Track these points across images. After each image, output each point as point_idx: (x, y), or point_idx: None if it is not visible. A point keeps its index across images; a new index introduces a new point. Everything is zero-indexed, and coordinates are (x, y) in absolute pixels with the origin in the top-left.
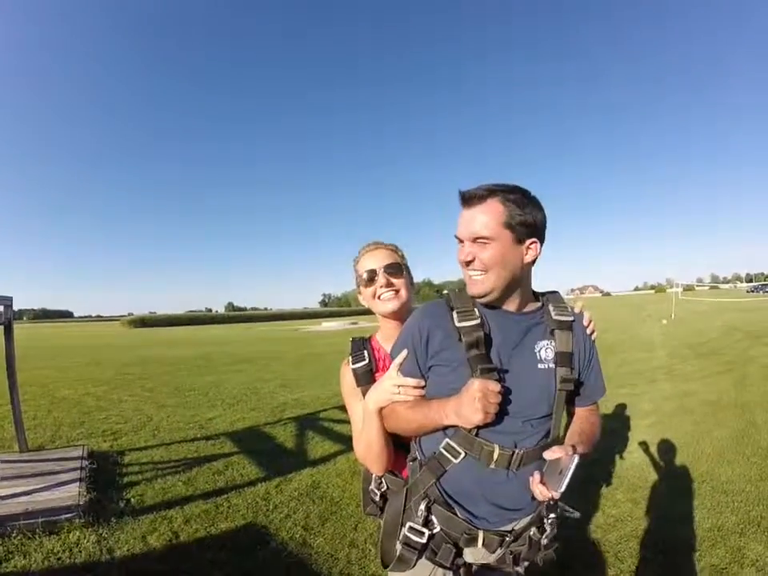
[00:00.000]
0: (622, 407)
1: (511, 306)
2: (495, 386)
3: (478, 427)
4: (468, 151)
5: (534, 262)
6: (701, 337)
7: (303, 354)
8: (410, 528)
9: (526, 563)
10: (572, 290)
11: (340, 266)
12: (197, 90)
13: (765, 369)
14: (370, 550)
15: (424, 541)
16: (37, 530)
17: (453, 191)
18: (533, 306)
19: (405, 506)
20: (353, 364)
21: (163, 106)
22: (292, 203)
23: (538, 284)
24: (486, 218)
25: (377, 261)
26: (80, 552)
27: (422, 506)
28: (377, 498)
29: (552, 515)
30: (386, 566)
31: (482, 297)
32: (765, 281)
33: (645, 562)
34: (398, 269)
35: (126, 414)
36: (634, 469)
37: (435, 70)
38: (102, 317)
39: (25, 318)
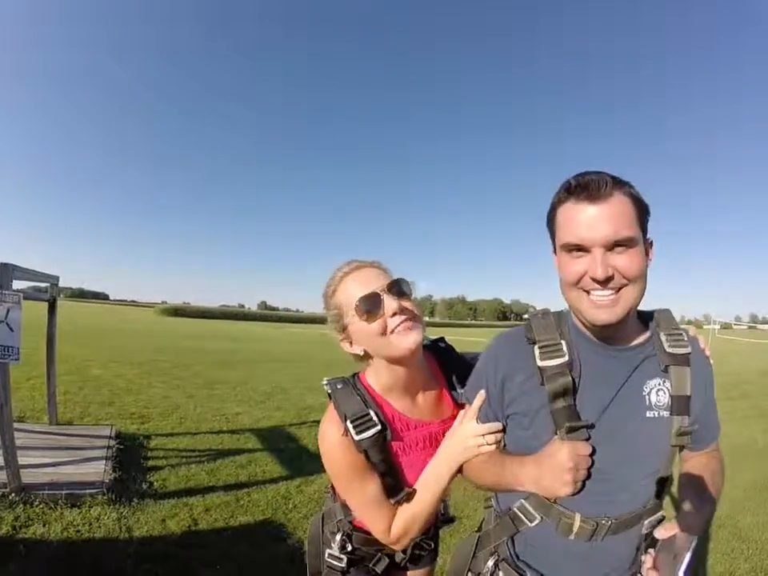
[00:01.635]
0: None
1: (618, 335)
2: (586, 450)
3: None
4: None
5: None
6: (735, 378)
7: (331, 359)
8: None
9: None
10: None
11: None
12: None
13: None
14: None
15: None
16: (59, 501)
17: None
18: (641, 335)
19: (473, 556)
20: (358, 433)
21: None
22: (335, 206)
23: None
24: (624, 214)
25: (372, 282)
26: (99, 527)
27: (491, 563)
28: (341, 565)
29: None
30: None
31: (616, 323)
32: None
33: None
34: (407, 287)
35: (155, 399)
36: None
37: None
38: (136, 302)
39: (62, 296)
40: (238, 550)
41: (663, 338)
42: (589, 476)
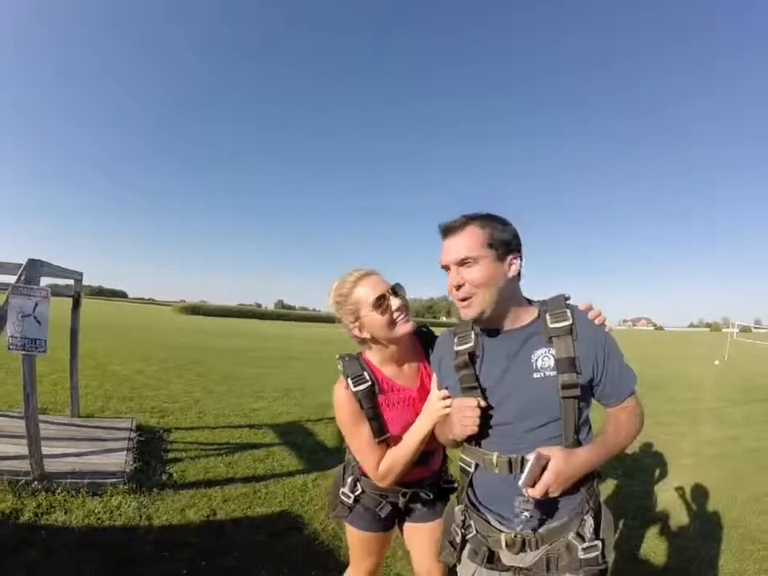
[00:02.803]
0: (661, 445)
1: (506, 322)
2: (470, 402)
3: (478, 439)
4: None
5: (518, 276)
6: (753, 382)
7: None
8: (453, 529)
9: (566, 573)
10: (624, 321)
11: (395, 272)
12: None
13: None
14: (398, 551)
15: (459, 541)
16: (81, 490)
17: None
18: (529, 318)
19: (453, 511)
20: (354, 386)
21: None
22: (353, 206)
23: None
24: (468, 241)
25: (380, 286)
26: (120, 515)
27: (459, 512)
28: (349, 501)
29: (588, 517)
30: (439, 559)
31: (476, 319)
32: None
33: None
34: (402, 290)
35: (175, 394)
36: (666, 507)
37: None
38: (154, 300)
39: (82, 294)
40: (255, 539)
41: (548, 317)
42: (488, 425)
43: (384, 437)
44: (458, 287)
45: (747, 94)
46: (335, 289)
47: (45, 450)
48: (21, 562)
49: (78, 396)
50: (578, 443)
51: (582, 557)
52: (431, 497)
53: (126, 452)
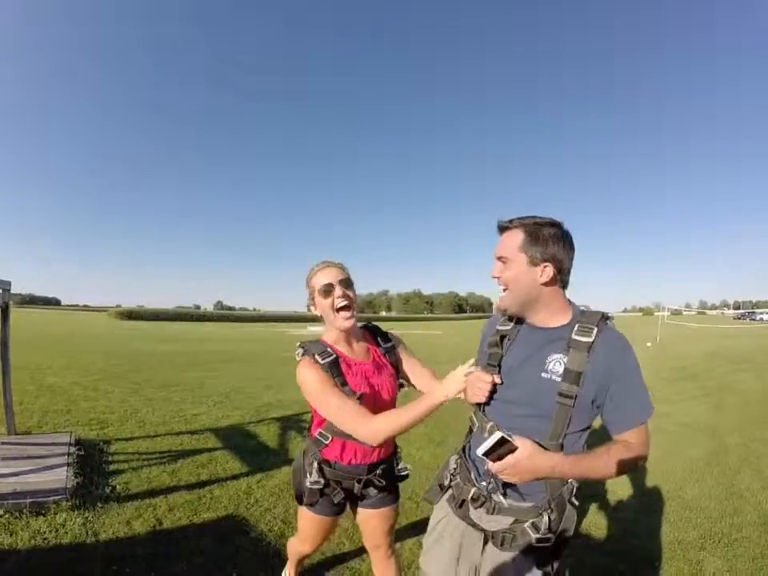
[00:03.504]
0: (598, 425)
1: (538, 319)
2: (486, 378)
3: (484, 407)
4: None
5: (553, 282)
6: (683, 361)
7: (288, 357)
8: (445, 473)
9: (518, 552)
10: None
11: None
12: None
13: (742, 394)
14: (345, 544)
15: (446, 484)
16: (24, 510)
17: (446, 210)
18: (560, 322)
19: (449, 458)
20: (322, 360)
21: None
22: (287, 205)
23: None
24: (509, 242)
25: (332, 276)
26: (66, 533)
27: (453, 459)
28: (319, 486)
29: (545, 513)
30: (423, 496)
31: (505, 310)
32: (752, 308)
33: (606, 571)
34: (350, 283)
35: (113, 404)
36: (605, 483)
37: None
38: (89, 306)
39: (11, 303)
40: (203, 544)
41: (576, 328)
42: (498, 400)
43: (358, 394)
44: (496, 278)
45: (747, 92)
46: (308, 273)
47: None
48: None
49: (13, 413)
50: (561, 447)
51: (535, 544)
52: (384, 483)
53: (66, 467)
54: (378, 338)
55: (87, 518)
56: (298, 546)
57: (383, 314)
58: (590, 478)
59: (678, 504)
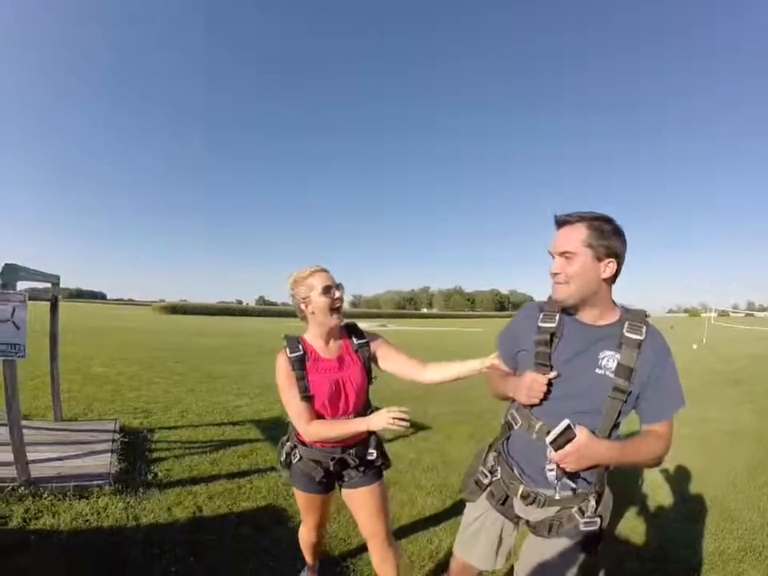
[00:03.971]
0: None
1: (588, 316)
2: (542, 379)
3: (532, 405)
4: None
5: (611, 278)
6: (729, 364)
7: None
8: (481, 471)
9: (565, 538)
10: None
11: (374, 267)
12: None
13: None
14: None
15: (487, 482)
16: (68, 493)
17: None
18: (610, 320)
19: (486, 455)
20: (290, 353)
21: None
22: (331, 203)
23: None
24: (573, 237)
25: (329, 279)
26: (107, 516)
27: (491, 457)
28: (285, 464)
29: (591, 497)
30: (461, 494)
31: (562, 302)
32: None
33: None
34: (341, 287)
35: (157, 394)
36: (646, 488)
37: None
38: (134, 300)
39: (60, 297)
40: (241, 533)
41: (626, 325)
42: (546, 398)
43: (307, 394)
44: (556, 274)
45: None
46: (296, 273)
47: (30, 456)
48: (11, 568)
49: (60, 400)
50: (608, 438)
51: (582, 528)
52: (357, 462)
53: (110, 453)
54: (353, 336)
55: (129, 502)
56: (303, 529)
57: (424, 310)
58: (634, 463)
59: (719, 514)
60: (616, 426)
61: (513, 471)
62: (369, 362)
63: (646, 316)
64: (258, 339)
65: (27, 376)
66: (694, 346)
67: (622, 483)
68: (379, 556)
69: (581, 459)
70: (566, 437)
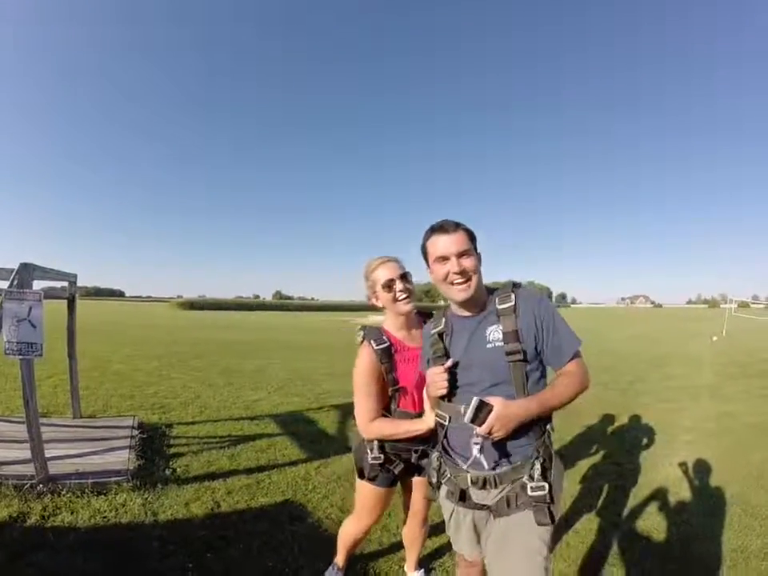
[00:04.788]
0: (662, 422)
1: (474, 307)
2: (438, 370)
3: (449, 397)
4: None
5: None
6: (750, 356)
7: (350, 345)
8: (432, 473)
9: (524, 510)
10: (622, 299)
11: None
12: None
13: None
14: (401, 535)
15: (435, 481)
16: (86, 490)
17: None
18: (484, 302)
19: (431, 458)
20: (376, 345)
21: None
22: (345, 197)
23: (592, 290)
24: (463, 238)
25: (393, 272)
26: (125, 512)
27: (434, 457)
28: (379, 461)
29: (536, 462)
30: (427, 495)
31: (469, 298)
32: None
33: (667, 575)
34: (409, 276)
35: (175, 390)
36: (667, 483)
37: None
38: (152, 297)
39: (79, 295)
40: (259, 529)
41: (497, 300)
42: (462, 385)
43: (396, 387)
44: (461, 273)
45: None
46: (365, 266)
47: (48, 453)
48: (30, 565)
49: (79, 397)
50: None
51: (531, 494)
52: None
53: (128, 450)
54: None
55: (147, 498)
56: (355, 526)
57: (441, 303)
58: (555, 406)
59: (741, 510)
60: (531, 388)
61: (457, 464)
62: None
63: (514, 285)
64: (276, 334)
65: (45, 374)
66: (714, 338)
67: (640, 480)
68: (416, 532)
69: (506, 423)
70: (485, 411)
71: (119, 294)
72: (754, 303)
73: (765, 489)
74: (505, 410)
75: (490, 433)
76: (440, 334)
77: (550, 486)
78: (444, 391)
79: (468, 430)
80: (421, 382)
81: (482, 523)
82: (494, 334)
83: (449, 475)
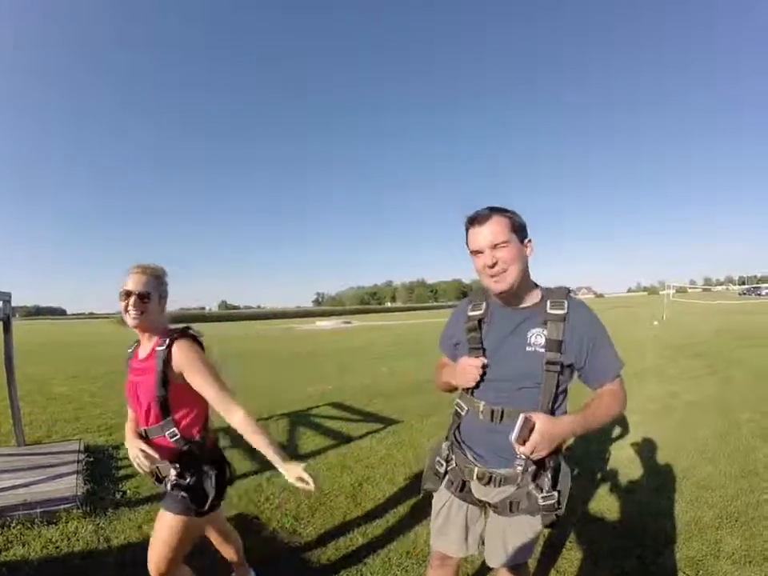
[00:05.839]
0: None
1: (513, 300)
2: (475, 362)
3: (473, 389)
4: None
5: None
6: (689, 339)
7: (296, 353)
8: (437, 461)
9: (527, 515)
10: None
11: (334, 265)
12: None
13: (750, 371)
14: (358, 539)
15: (443, 471)
16: (35, 520)
17: (445, 195)
18: (532, 300)
19: (441, 445)
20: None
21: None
22: (287, 203)
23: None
24: (499, 227)
25: (130, 285)
26: (78, 541)
27: (444, 446)
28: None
29: (548, 473)
30: (423, 486)
31: (506, 291)
32: (757, 283)
33: (623, 553)
34: (150, 296)
35: (121, 409)
36: (617, 465)
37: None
38: (94, 314)
39: (17, 315)
40: (213, 545)
41: (548, 303)
42: (488, 380)
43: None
44: (493, 266)
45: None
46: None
47: None
48: None
49: (22, 424)
50: (552, 410)
51: (541, 503)
52: None
53: (76, 475)
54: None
55: (99, 524)
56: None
57: (388, 304)
58: (599, 424)
59: (691, 483)
60: (557, 397)
61: (466, 456)
62: (164, 369)
63: (568, 292)
64: (222, 345)
65: None
66: (655, 323)
67: (591, 465)
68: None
69: (550, 441)
70: (528, 427)
71: (60, 312)
72: (691, 288)
73: (712, 462)
74: (552, 428)
75: (532, 452)
76: (479, 320)
77: (559, 493)
78: (473, 384)
79: (486, 428)
80: (134, 395)
81: (473, 520)
82: (537, 337)
83: (454, 464)
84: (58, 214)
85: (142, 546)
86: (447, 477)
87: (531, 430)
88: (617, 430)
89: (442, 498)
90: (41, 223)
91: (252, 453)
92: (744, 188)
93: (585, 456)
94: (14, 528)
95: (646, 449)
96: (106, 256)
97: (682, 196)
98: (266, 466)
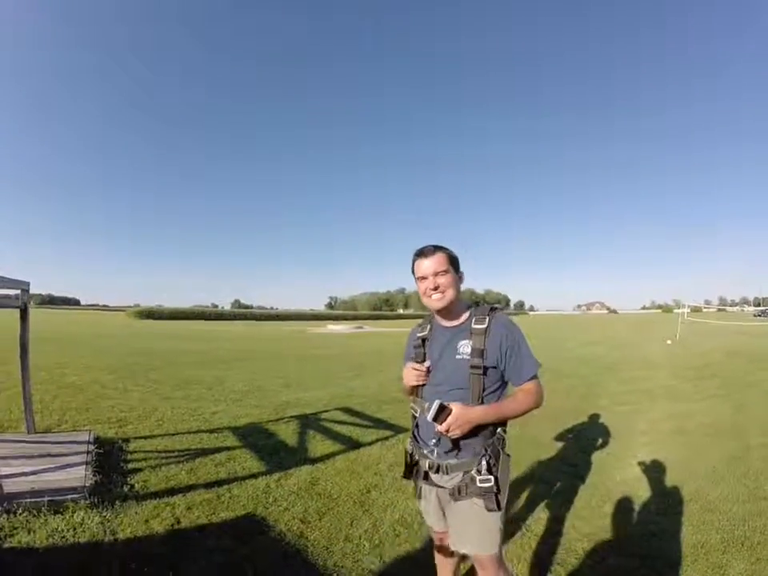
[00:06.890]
0: (619, 424)
1: (449, 319)
2: (416, 365)
3: (421, 393)
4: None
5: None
6: (703, 359)
7: (308, 355)
8: (406, 457)
9: (474, 497)
10: (578, 306)
11: (348, 269)
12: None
13: (764, 394)
14: (365, 545)
15: (411, 464)
16: (42, 509)
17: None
18: (463, 318)
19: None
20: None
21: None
22: (305, 205)
23: (548, 297)
24: (441, 260)
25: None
26: (84, 531)
27: (408, 442)
28: None
29: (483, 459)
30: (402, 476)
31: (444, 308)
32: None
33: (628, 573)
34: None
35: (132, 403)
36: (625, 484)
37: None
38: (108, 306)
39: (32, 304)
40: (221, 544)
41: (474, 319)
42: (431, 384)
43: None
44: (435, 288)
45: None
46: None
47: (2, 471)
48: None
49: (33, 411)
50: (481, 405)
51: (480, 485)
52: None
53: (85, 466)
54: None
55: (105, 516)
56: None
57: (400, 311)
58: (509, 416)
59: (699, 506)
60: (484, 395)
61: (423, 450)
62: None
63: (494, 309)
64: (235, 344)
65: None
66: (668, 342)
67: (598, 481)
68: None
69: (463, 425)
70: (445, 412)
71: (74, 303)
72: (706, 308)
73: (721, 485)
74: (463, 414)
75: (447, 431)
76: (423, 339)
77: (496, 479)
78: (415, 382)
79: (432, 423)
80: None
81: (444, 500)
82: (464, 347)
83: (417, 457)
84: (74, 210)
85: (148, 540)
86: (415, 468)
87: (448, 415)
88: (625, 450)
89: (419, 485)
90: (57, 218)
91: (261, 453)
92: (763, 209)
93: (589, 473)
94: (20, 515)
95: (655, 469)
96: (119, 252)
97: (701, 212)
98: (274, 467)
